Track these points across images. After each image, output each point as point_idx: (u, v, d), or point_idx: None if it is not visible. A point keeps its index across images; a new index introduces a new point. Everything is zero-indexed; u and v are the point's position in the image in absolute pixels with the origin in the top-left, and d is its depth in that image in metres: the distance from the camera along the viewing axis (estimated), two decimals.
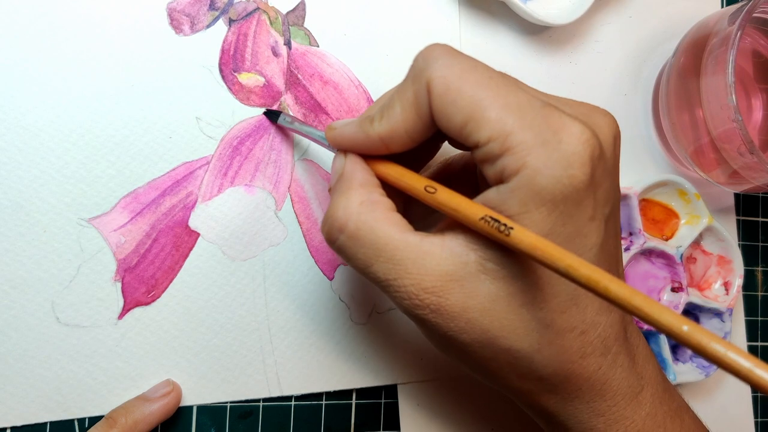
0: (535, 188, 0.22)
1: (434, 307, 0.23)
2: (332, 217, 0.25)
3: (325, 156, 0.34)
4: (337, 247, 0.25)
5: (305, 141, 0.34)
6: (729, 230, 0.41)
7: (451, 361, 0.27)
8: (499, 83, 0.23)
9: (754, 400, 0.42)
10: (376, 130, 0.25)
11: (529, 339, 0.24)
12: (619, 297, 0.20)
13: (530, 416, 0.28)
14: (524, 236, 0.21)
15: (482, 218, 0.22)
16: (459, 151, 0.32)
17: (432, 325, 0.24)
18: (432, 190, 0.24)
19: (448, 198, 0.24)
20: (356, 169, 0.26)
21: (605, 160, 0.24)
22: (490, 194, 0.23)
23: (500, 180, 0.23)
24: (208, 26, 0.33)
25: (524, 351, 0.24)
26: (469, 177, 0.30)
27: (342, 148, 0.27)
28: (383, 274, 0.24)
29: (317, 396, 0.35)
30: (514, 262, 0.23)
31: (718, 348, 0.18)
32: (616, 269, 0.26)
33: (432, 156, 0.30)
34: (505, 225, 0.22)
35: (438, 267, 0.23)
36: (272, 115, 0.33)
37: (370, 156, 0.26)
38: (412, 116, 0.24)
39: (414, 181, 0.25)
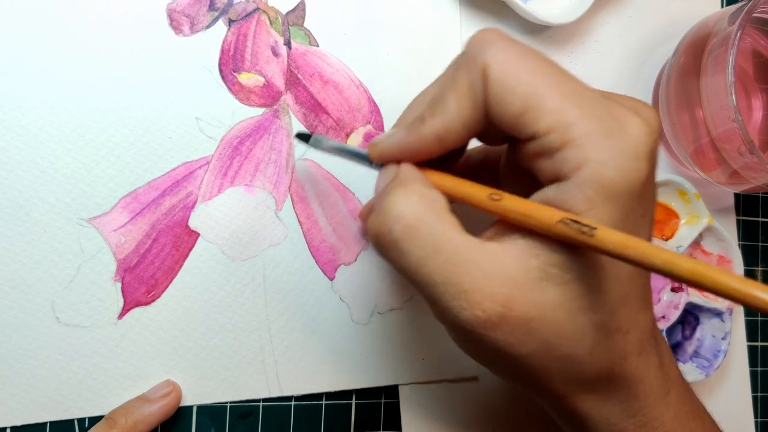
0: (601, 182, 0.20)
1: (496, 319, 0.21)
2: (388, 207, 0.22)
3: (326, 156, 0.34)
4: (390, 241, 0.22)
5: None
6: (729, 230, 0.41)
7: (494, 372, 0.25)
8: (557, 71, 0.22)
9: (754, 400, 0.42)
10: (431, 128, 0.23)
11: (583, 343, 0.22)
12: (730, 288, 0.18)
13: (556, 420, 0.27)
14: (611, 236, 0.20)
15: (560, 221, 0.20)
16: (476, 146, 0.30)
17: (491, 339, 0.22)
18: (497, 198, 0.22)
19: (516, 204, 0.22)
20: (413, 172, 0.24)
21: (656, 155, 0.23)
22: (550, 192, 0.22)
23: (557, 175, 0.21)
24: (208, 26, 0.33)
25: (577, 356, 0.22)
26: (489, 171, 0.29)
27: (390, 160, 0.25)
28: (441, 276, 0.21)
29: (317, 396, 0.34)
30: (577, 265, 0.21)
31: None
32: None
33: (462, 154, 0.28)
34: (587, 226, 0.20)
35: (502, 271, 0.21)
36: (303, 138, 0.31)
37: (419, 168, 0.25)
38: (467, 107, 0.23)
39: (474, 190, 0.23)
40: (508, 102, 0.22)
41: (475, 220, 0.25)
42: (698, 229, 0.39)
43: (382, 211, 0.23)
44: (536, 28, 0.38)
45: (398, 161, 0.25)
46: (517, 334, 0.21)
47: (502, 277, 0.21)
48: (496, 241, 0.22)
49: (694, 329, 0.40)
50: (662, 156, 0.41)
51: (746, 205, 0.43)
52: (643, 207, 0.22)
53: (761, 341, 0.43)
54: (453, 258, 0.21)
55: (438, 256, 0.21)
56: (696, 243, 0.40)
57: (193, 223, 0.33)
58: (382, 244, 0.23)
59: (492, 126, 0.23)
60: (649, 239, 0.23)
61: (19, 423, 0.31)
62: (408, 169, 0.24)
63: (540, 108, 0.21)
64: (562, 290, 0.21)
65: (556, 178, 0.21)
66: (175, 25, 0.33)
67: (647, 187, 0.22)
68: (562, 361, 0.22)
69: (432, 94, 0.25)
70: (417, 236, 0.22)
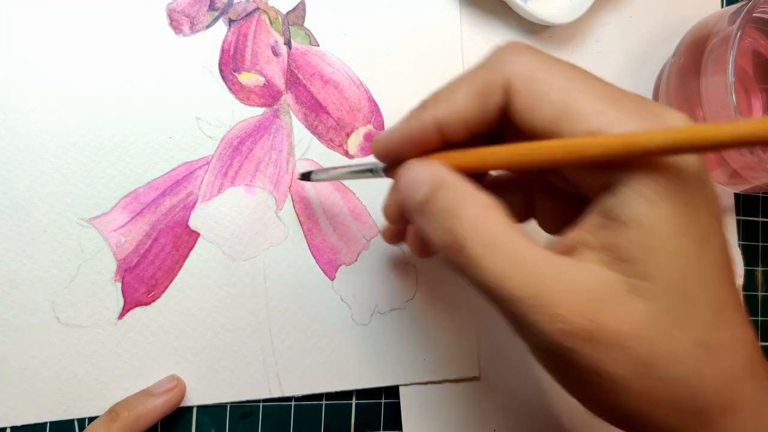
0: (657, 180, 0.20)
1: (586, 334, 0.20)
2: (456, 229, 0.21)
3: (326, 156, 0.34)
4: (465, 258, 0.21)
5: (305, 141, 0.34)
6: (729, 230, 0.41)
7: (585, 405, 0.23)
8: (588, 75, 0.21)
9: None
10: (432, 113, 0.23)
11: (687, 363, 0.20)
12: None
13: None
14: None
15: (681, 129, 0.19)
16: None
17: (579, 355, 0.20)
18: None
19: (588, 142, 0.20)
20: (450, 173, 0.23)
21: None
22: (606, 202, 0.21)
23: (607, 180, 0.21)
24: (208, 26, 0.33)
25: (683, 379, 0.20)
26: (520, 193, 0.28)
27: (391, 152, 0.25)
28: (520, 290, 0.20)
29: (317, 396, 0.34)
30: (662, 273, 0.20)
31: None
32: (732, 269, 0.23)
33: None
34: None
35: (584, 284, 0.20)
36: (306, 177, 0.32)
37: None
38: (474, 104, 0.22)
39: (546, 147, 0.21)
40: (540, 108, 0.21)
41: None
42: None
43: (450, 233, 0.21)
44: (536, 28, 0.38)
45: (398, 156, 0.24)
46: (610, 351, 0.20)
47: (585, 290, 0.20)
48: (570, 253, 0.21)
49: None
50: None
51: (746, 205, 0.43)
52: (706, 204, 0.21)
53: (762, 341, 0.43)
54: (532, 272, 0.20)
55: (516, 271, 0.20)
56: None
57: (194, 223, 0.33)
58: (459, 262, 0.21)
59: (509, 134, 0.22)
60: (723, 240, 0.21)
61: (19, 423, 0.31)
62: (447, 174, 0.23)
63: (577, 112, 0.20)
64: (652, 303, 0.20)
65: (606, 185, 0.21)
66: (175, 24, 0.33)
67: (707, 179, 0.21)
68: (666, 386, 0.20)
69: (444, 84, 0.24)
70: (494, 252, 0.21)
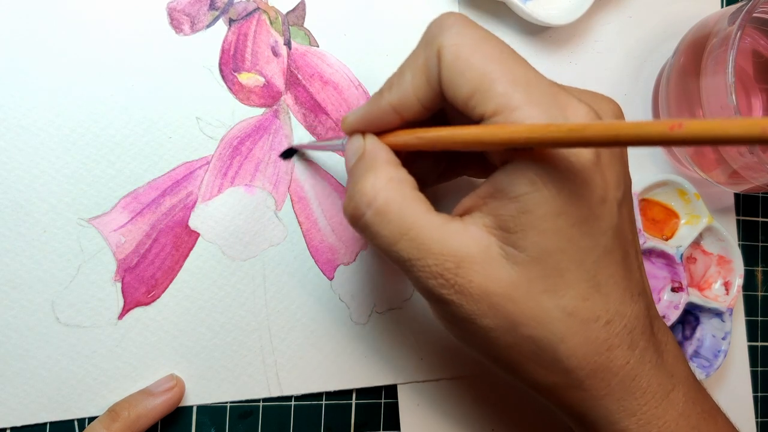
0: (541, 165, 0.22)
1: (458, 288, 0.23)
2: (360, 193, 0.24)
3: (325, 156, 0.34)
4: (363, 224, 0.24)
5: (304, 141, 0.34)
6: (729, 230, 0.41)
7: (473, 352, 0.26)
8: (509, 58, 0.23)
9: (755, 400, 0.42)
10: (387, 99, 0.25)
11: (552, 327, 0.23)
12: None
13: (558, 415, 0.27)
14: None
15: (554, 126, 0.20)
16: None
17: (456, 306, 0.23)
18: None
19: (476, 130, 0.22)
20: (378, 147, 0.26)
21: None
22: (498, 177, 0.23)
23: (505, 159, 0.23)
24: (208, 26, 0.33)
25: (547, 340, 0.23)
26: (478, 160, 0.30)
27: (355, 130, 0.27)
28: (407, 253, 0.23)
29: (317, 396, 0.35)
30: (533, 246, 0.22)
31: (724, 124, 0.16)
32: (635, 256, 0.25)
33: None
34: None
35: (461, 248, 0.23)
36: (288, 154, 0.34)
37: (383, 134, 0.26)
38: (421, 82, 0.24)
39: (462, 129, 0.23)
40: (459, 84, 0.23)
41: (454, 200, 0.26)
42: (698, 229, 0.39)
43: (355, 196, 0.24)
44: (536, 29, 0.38)
45: (363, 132, 0.27)
46: (480, 305, 0.23)
47: (460, 254, 0.23)
48: (460, 219, 0.24)
49: (694, 329, 0.40)
50: (662, 156, 0.41)
51: (746, 205, 0.43)
52: (600, 193, 0.23)
53: (761, 341, 0.43)
54: (416, 237, 0.23)
55: (404, 236, 0.23)
56: (696, 243, 0.40)
57: (193, 223, 0.33)
58: (358, 227, 0.25)
59: (449, 107, 0.24)
60: (619, 227, 0.24)
61: (19, 423, 0.31)
62: (372, 144, 0.26)
63: (488, 92, 0.22)
64: (520, 270, 0.23)
65: (505, 161, 0.23)
66: (175, 24, 0.33)
67: (597, 172, 0.22)
68: (531, 344, 0.23)
69: (398, 69, 0.26)
70: (386, 219, 0.24)
